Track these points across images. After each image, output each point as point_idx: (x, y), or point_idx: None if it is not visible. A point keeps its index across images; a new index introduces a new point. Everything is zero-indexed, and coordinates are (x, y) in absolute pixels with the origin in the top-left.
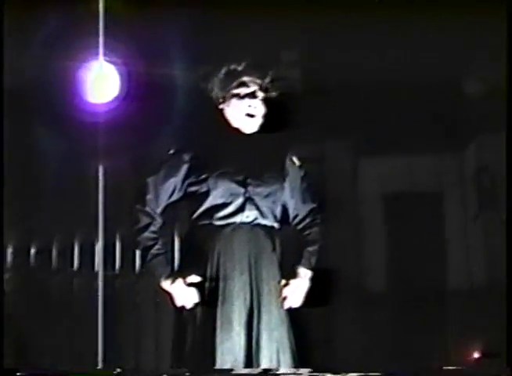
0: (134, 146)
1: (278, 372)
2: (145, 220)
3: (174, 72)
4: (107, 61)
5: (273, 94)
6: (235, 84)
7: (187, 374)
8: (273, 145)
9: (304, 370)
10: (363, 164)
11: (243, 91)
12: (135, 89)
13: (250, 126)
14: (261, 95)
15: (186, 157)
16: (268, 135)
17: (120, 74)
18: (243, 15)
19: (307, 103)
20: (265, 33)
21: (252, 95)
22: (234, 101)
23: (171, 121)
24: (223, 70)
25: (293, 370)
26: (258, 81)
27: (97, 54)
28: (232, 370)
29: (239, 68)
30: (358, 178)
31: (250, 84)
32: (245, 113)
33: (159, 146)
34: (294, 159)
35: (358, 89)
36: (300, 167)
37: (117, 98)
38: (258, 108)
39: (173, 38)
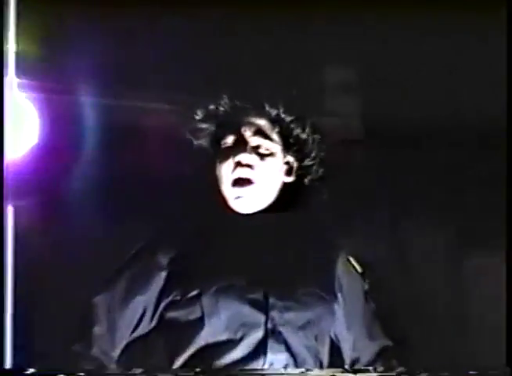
0: (67, 233)
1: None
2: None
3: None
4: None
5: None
6: (212, 131)
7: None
8: (313, 236)
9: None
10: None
11: (226, 142)
12: (64, 136)
13: (244, 203)
14: (258, 143)
15: (164, 257)
16: (301, 216)
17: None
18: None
19: (358, 158)
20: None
21: (238, 147)
22: (219, 160)
23: (132, 188)
24: (199, 112)
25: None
26: (255, 121)
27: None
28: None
29: (222, 106)
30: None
31: (240, 131)
32: (232, 178)
33: (112, 235)
34: (352, 261)
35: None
36: (362, 274)
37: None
38: (256, 168)
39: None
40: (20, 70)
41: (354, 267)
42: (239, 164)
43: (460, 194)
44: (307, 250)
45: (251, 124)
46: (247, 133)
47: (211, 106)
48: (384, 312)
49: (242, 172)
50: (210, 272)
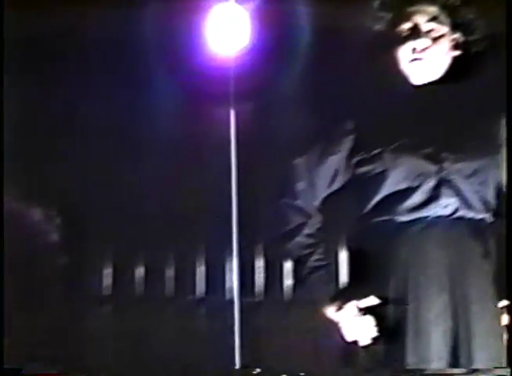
0: (272, 114)
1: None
2: (297, 219)
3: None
4: (239, 3)
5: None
6: (389, 16)
7: None
8: (480, 100)
9: None
10: None
11: (404, 27)
12: (271, 39)
13: (418, 75)
14: (432, 27)
15: (350, 124)
16: (471, 85)
17: (254, 21)
18: None
19: None
20: None
21: (415, 32)
22: (398, 43)
23: (319, 75)
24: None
25: None
26: (429, 8)
27: None
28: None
29: None
30: None
31: (414, 16)
32: (409, 59)
33: (307, 112)
34: None
35: None
36: None
37: (248, 49)
38: (430, 49)
39: None
40: None
41: None
42: (415, 49)
43: None
44: (474, 111)
45: (424, 11)
46: (421, 19)
47: None
48: None
49: (417, 54)
50: (389, 133)
